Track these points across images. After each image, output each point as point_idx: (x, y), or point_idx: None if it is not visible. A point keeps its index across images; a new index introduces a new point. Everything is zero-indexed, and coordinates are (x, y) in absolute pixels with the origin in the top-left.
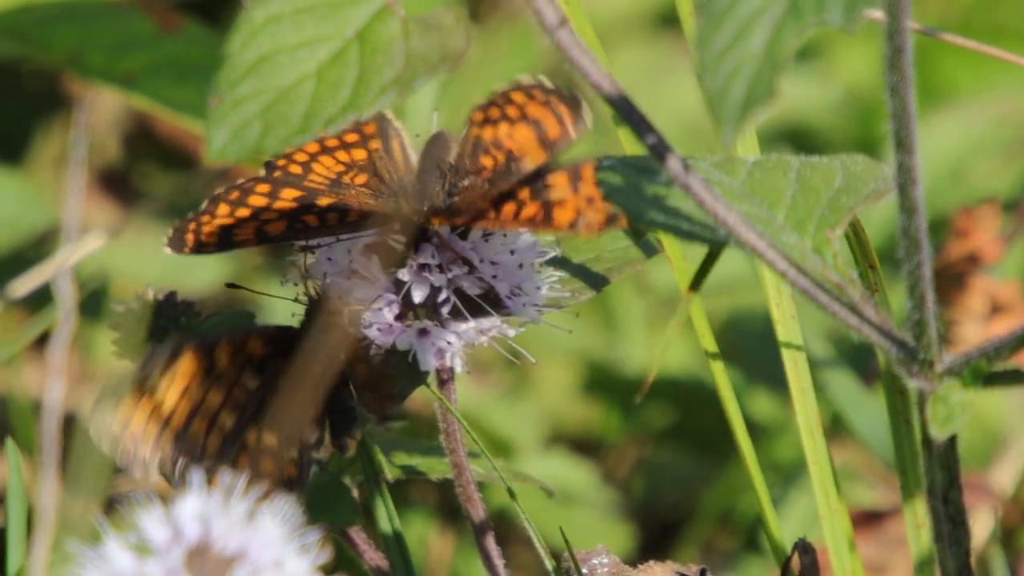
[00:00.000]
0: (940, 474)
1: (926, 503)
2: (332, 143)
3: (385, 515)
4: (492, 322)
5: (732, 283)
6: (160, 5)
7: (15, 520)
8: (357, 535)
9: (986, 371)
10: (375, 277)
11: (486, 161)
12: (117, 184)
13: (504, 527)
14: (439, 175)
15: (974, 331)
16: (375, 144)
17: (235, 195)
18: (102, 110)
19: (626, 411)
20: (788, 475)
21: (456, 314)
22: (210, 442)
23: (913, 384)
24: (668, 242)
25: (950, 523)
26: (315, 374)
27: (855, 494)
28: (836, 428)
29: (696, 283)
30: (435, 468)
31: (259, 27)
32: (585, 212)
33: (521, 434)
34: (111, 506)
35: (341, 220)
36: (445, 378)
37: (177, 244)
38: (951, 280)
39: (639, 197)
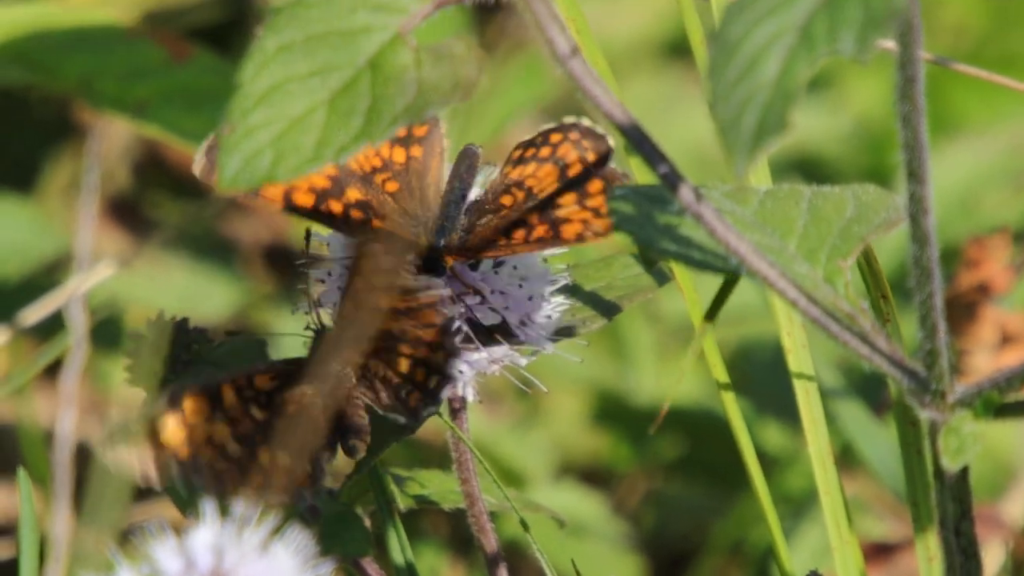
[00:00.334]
0: (952, 506)
1: (938, 535)
2: None
3: (397, 545)
4: (504, 351)
5: (742, 313)
6: (171, 34)
7: (28, 551)
8: (369, 565)
9: (998, 402)
10: None
11: (506, 200)
12: (127, 212)
13: (516, 558)
14: (461, 209)
15: (985, 361)
16: (416, 151)
17: None
18: (112, 138)
19: (636, 441)
20: (799, 506)
21: (468, 343)
22: (221, 469)
23: (925, 415)
24: (679, 271)
25: (962, 555)
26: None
27: (866, 526)
28: (847, 459)
29: (712, 313)
30: (447, 498)
31: (271, 56)
32: (591, 222)
33: (532, 464)
34: (124, 537)
35: (361, 224)
36: (457, 407)
37: (207, 173)
38: (962, 310)
39: (651, 226)
